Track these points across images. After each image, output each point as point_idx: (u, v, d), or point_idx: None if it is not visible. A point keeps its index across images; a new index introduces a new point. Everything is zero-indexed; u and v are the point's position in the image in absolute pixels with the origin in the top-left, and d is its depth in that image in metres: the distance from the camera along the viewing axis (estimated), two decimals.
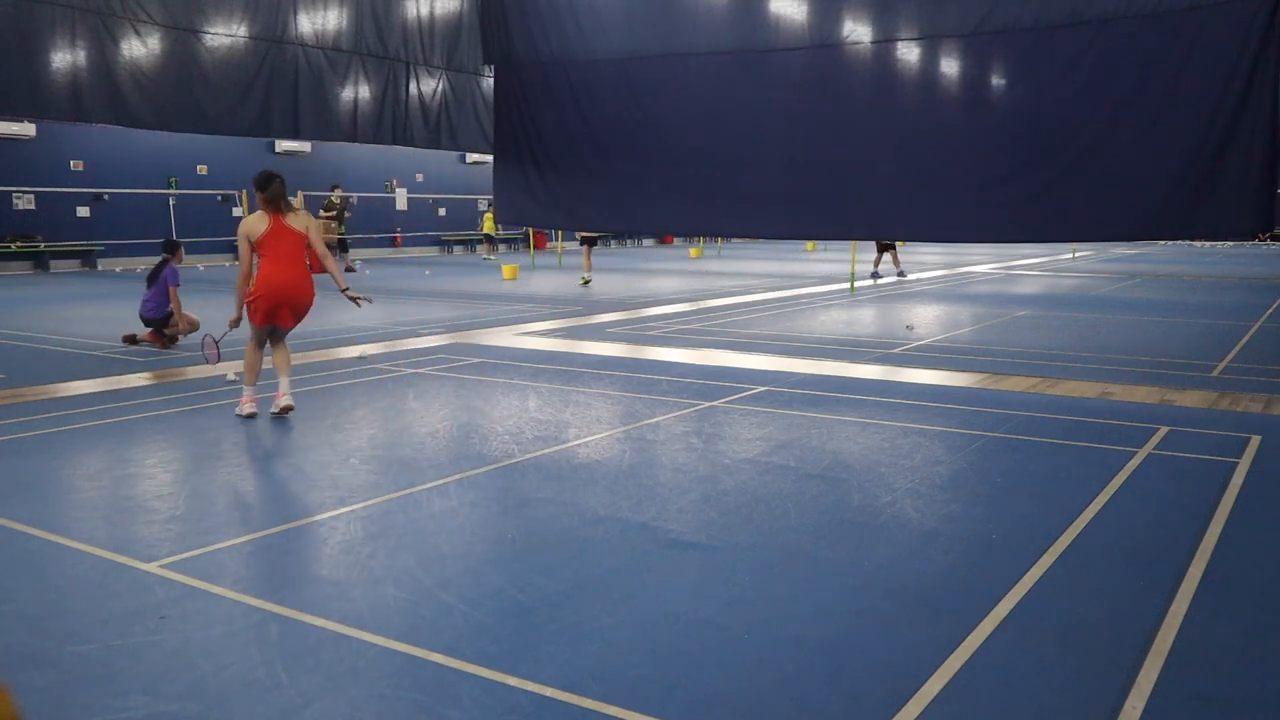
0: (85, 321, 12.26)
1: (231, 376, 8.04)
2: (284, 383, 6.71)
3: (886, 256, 20.23)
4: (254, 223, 6.59)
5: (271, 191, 6.56)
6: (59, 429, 6.35)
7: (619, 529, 4.41)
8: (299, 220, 6.68)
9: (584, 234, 18.28)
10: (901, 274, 20.21)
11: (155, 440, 6.08)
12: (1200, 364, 9.08)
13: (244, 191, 21.22)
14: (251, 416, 6.61)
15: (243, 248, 6.57)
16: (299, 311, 6.72)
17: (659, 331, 11.54)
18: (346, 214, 23.23)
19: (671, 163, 10.95)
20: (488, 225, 30.68)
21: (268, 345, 6.86)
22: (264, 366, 7.06)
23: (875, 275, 20.00)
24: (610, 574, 3.88)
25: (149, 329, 9.96)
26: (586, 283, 18.00)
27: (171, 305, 9.78)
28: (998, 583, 3.76)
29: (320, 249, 6.78)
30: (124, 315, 12.96)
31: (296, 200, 21.03)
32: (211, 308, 14.21)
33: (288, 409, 6.64)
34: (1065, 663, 3.12)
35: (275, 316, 6.65)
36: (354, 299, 6.86)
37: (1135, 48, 8.43)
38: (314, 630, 3.34)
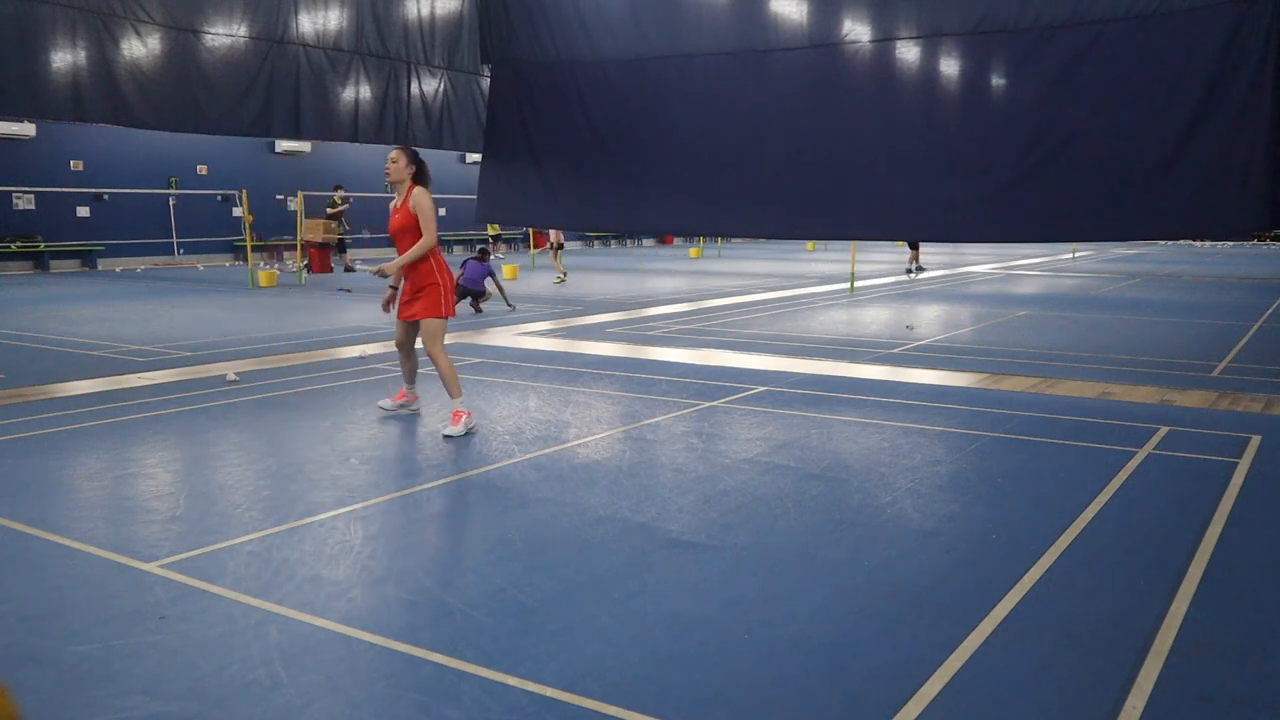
0: (85, 321, 12.26)
1: (231, 376, 8.04)
2: (415, 387, 6.68)
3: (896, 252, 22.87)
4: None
5: (428, 175, 6.35)
6: (59, 429, 6.35)
7: (619, 529, 4.41)
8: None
9: (554, 241, 19.76)
10: (920, 268, 21.81)
11: (155, 440, 6.08)
12: (1200, 364, 9.08)
13: (244, 191, 21.18)
14: (471, 432, 6.24)
15: (433, 219, 6.22)
16: None
17: (659, 331, 11.54)
18: (346, 218, 23.30)
19: (672, 162, 10.95)
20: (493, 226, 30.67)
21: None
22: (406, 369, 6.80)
23: (914, 270, 21.83)
24: (610, 574, 3.87)
25: (464, 297, 13.11)
26: (561, 280, 18.85)
27: (491, 284, 13.82)
28: (998, 583, 3.76)
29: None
30: (124, 315, 12.96)
31: (298, 200, 21.04)
32: (212, 307, 14.21)
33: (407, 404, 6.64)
34: (1065, 663, 3.12)
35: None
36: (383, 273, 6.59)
37: (1136, 48, 8.42)
38: (314, 630, 3.34)
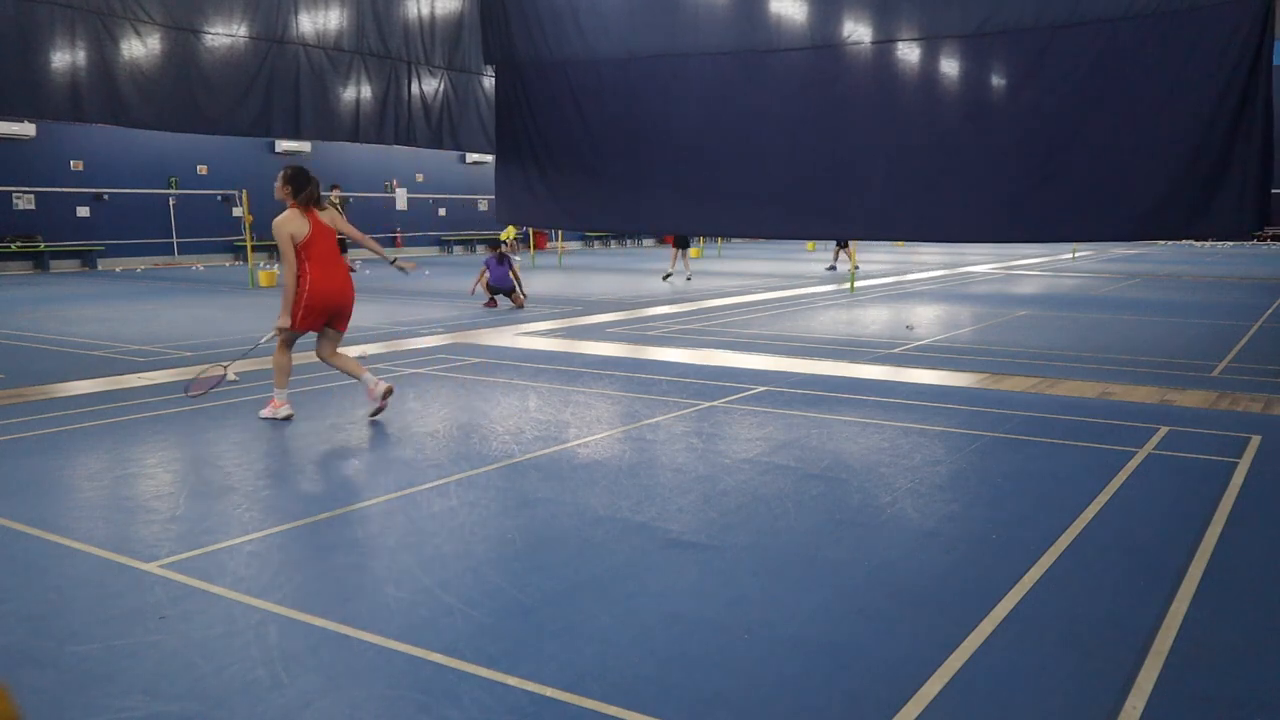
0: (85, 321, 12.26)
1: (231, 377, 8.04)
2: (369, 375, 6.56)
3: (844, 253, 22.86)
4: (295, 222, 6.30)
5: (309, 193, 6.36)
6: (59, 429, 6.35)
7: (619, 529, 4.41)
8: (326, 217, 6.51)
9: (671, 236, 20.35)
10: (832, 268, 22.57)
11: (155, 440, 6.08)
12: (1200, 364, 9.08)
13: (244, 191, 21.19)
14: (288, 419, 6.52)
15: (288, 249, 6.29)
16: (348, 314, 6.61)
17: (659, 331, 11.54)
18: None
19: (672, 162, 10.96)
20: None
21: (299, 357, 6.78)
22: (306, 370, 6.96)
23: (833, 268, 22.60)
24: (610, 574, 3.87)
25: (496, 294, 14.39)
26: (668, 276, 19.77)
27: (514, 275, 14.33)
28: (998, 583, 3.76)
29: (354, 231, 6.81)
30: (124, 315, 12.96)
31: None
32: (212, 307, 14.21)
33: (389, 390, 6.57)
34: (1065, 663, 3.12)
35: (323, 323, 6.49)
36: (402, 268, 7.26)
37: (1136, 48, 8.43)
38: (314, 630, 3.34)
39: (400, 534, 4.37)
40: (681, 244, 19.96)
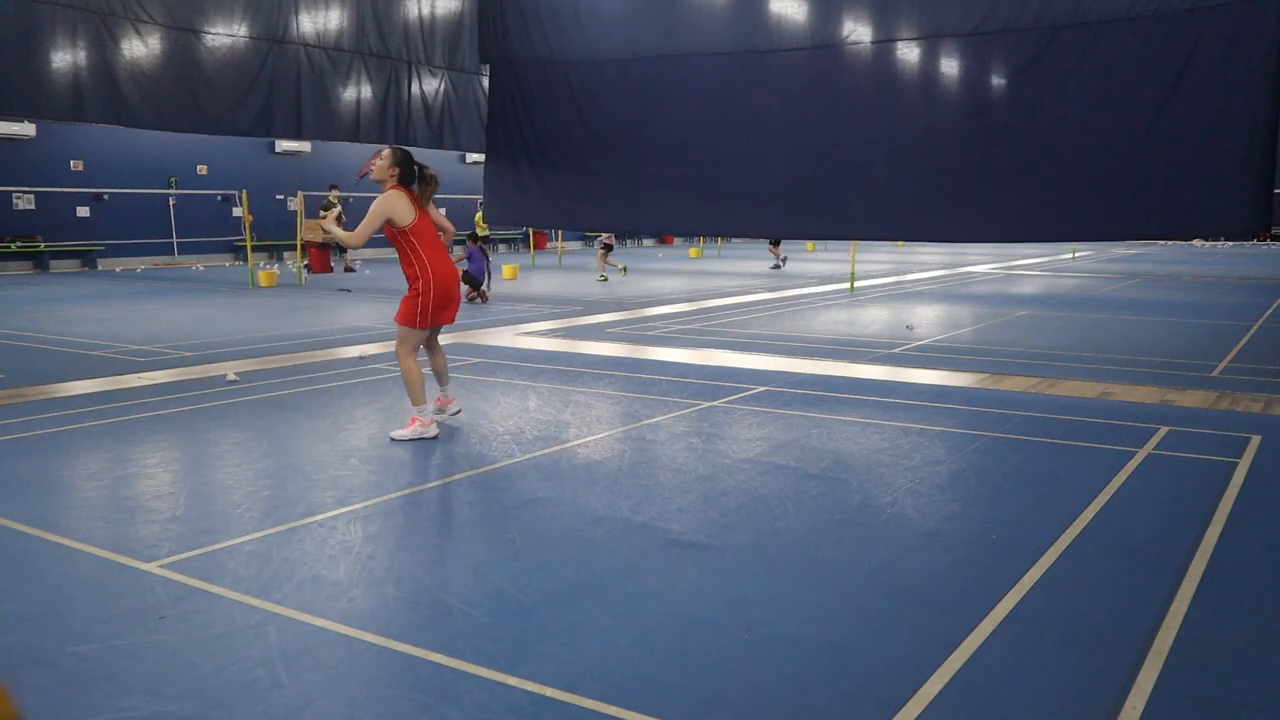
0: (85, 321, 12.26)
1: (231, 376, 8.04)
2: (450, 388, 6.52)
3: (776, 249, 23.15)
4: (402, 206, 5.95)
5: (426, 190, 6.12)
6: (59, 429, 6.35)
7: (619, 529, 4.41)
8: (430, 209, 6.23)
9: (603, 241, 20.10)
10: (777, 266, 22.65)
11: (155, 440, 6.08)
12: (1200, 364, 9.08)
13: (244, 191, 21.19)
14: (435, 438, 6.09)
15: (374, 224, 5.92)
16: (458, 303, 6.30)
17: (659, 331, 11.54)
18: (343, 216, 23.22)
19: (671, 162, 10.95)
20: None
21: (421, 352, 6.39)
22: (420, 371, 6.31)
23: (777, 266, 22.81)
24: (610, 574, 3.88)
25: (476, 288, 14.57)
26: (604, 279, 19.36)
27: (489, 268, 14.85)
28: (998, 583, 3.76)
29: (449, 225, 6.47)
30: (124, 315, 12.95)
31: (298, 200, 21.08)
32: (212, 307, 14.21)
33: (458, 412, 6.52)
34: (1065, 663, 3.12)
35: (443, 315, 6.18)
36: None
37: (1136, 48, 8.43)
38: (314, 630, 3.34)
39: (400, 534, 4.37)
40: (607, 247, 19.60)
